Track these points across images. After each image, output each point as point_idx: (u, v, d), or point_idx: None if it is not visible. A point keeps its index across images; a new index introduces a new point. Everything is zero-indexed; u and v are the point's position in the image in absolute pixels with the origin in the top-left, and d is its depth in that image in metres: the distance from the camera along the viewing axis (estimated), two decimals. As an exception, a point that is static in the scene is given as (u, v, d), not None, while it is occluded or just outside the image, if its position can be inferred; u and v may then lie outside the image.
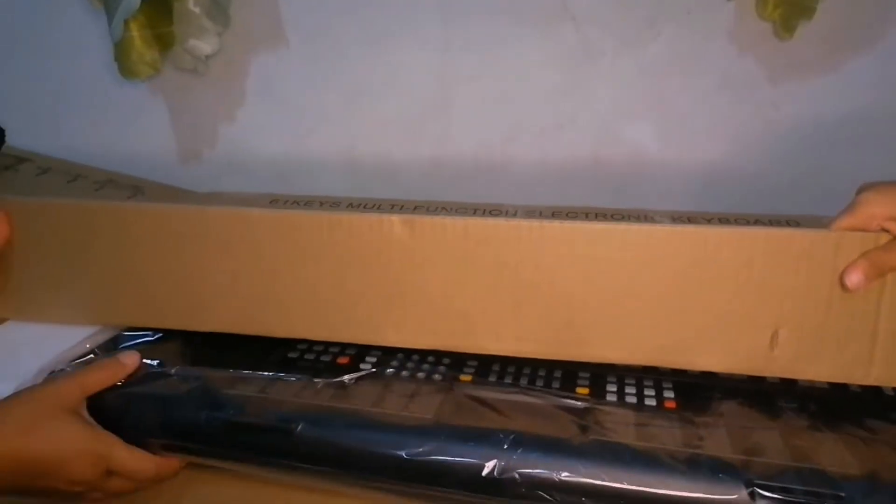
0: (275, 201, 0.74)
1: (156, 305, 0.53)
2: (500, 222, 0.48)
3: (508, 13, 0.73)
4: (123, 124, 0.83)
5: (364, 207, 0.71)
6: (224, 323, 0.52)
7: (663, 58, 0.70)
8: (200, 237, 0.51)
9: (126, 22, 0.71)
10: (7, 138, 0.77)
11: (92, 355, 0.51)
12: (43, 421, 0.42)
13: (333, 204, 0.73)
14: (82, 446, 0.43)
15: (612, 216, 0.71)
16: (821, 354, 0.45)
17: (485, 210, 0.73)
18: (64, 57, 0.82)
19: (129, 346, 0.52)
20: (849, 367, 0.45)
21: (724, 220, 0.69)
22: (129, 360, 0.48)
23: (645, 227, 0.47)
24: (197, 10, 0.73)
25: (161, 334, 0.54)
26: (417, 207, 0.73)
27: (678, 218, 0.69)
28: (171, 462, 0.46)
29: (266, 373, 0.49)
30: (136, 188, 0.81)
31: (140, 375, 0.48)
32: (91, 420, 0.45)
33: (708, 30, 0.68)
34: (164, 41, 0.74)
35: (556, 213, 0.75)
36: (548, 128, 0.76)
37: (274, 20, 0.77)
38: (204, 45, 0.76)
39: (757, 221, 0.69)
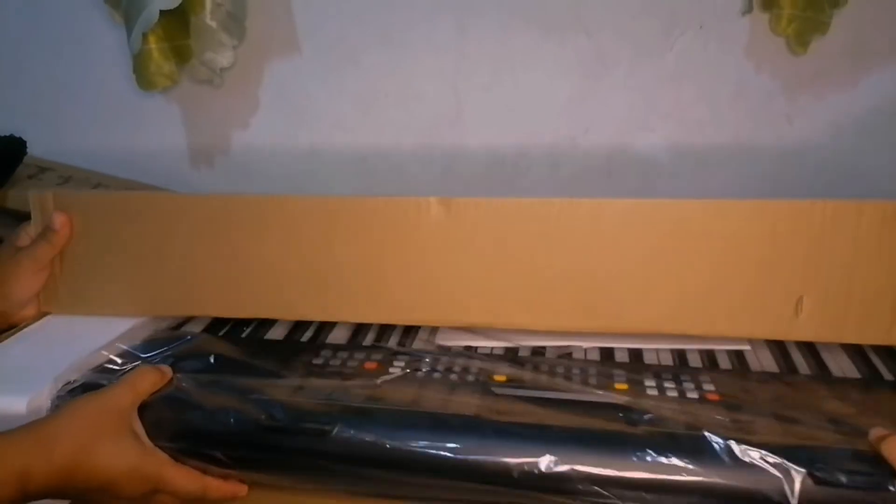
0: None
1: (197, 294, 0.54)
2: (534, 201, 0.49)
3: (523, 24, 0.74)
4: (141, 134, 0.85)
5: None
6: (264, 308, 0.54)
7: (676, 71, 0.71)
8: (239, 223, 0.53)
9: (145, 35, 0.73)
10: (29, 148, 0.78)
11: (109, 364, 0.49)
12: (99, 439, 0.41)
13: None
14: (134, 466, 0.41)
15: None
16: (844, 320, 0.47)
17: None
18: (84, 69, 0.85)
19: (150, 356, 0.50)
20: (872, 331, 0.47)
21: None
22: (165, 368, 0.47)
23: (672, 202, 0.48)
24: (213, 23, 0.75)
25: (180, 342, 0.52)
26: None
27: None
28: (220, 484, 0.44)
29: (292, 379, 0.47)
30: None
31: (167, 385, 0.46)
32: (142, 433, 0.43)
33: (722, 43, 0.69)
34: (181, 54, 0.76)
35: None
36: (561, 138, 0.77)
37: (289, 30, 0.78)
38: (220, 58, 0.78)
39: None
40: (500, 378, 0.47)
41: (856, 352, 0.50)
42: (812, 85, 0.68)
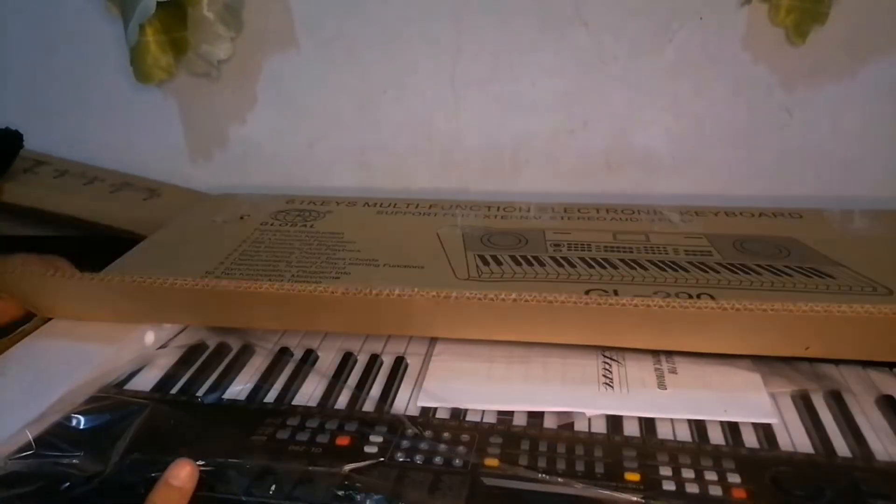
0: (290, 201, 0.76)
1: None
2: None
3: (521, 18, 0.71)
4: (137, 127, 0.84)
5: (380, 206, 0.74)
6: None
7: (676, 63, 0.69)
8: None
9: (141, 27, 0.71)
10: (25, 142, 0.77)
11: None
12: None
13: (350, 203, 0.75)
14: None
15: (622, 211, 0.72)
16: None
17: (498, 207, 0.73)
18: (80, 62, 0.82)
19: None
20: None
21: (730, 213, 0.71)
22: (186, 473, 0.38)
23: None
24: (210, 15, 0.74)
25: (125, 414, 0.45)
26: (432, 206, 0.74)
27: (686, 212, 0.71)
28: None
29: (250, 462, 0.40)
30: (151, 191, 0.82)
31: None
32: None
33: (720, 36, 0.67)
34: (178, 46, 0.75)
35: (568, 210, 0.70)
36: (560, 132, 0.75)
37: (286, 25, 0.77)
38: (217, 51, 0.76)
39: (761, 214, 0.70)
40: (491, 463, 0.41)
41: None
42: (811, 76, 0.67)
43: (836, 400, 0.47)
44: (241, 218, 0.71)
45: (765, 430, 0.44)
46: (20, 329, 0.54)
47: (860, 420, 0.44)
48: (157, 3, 0.67)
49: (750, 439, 0.43)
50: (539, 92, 0.74)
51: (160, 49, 0.72)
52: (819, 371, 0.50)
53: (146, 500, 0.36)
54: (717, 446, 0.42)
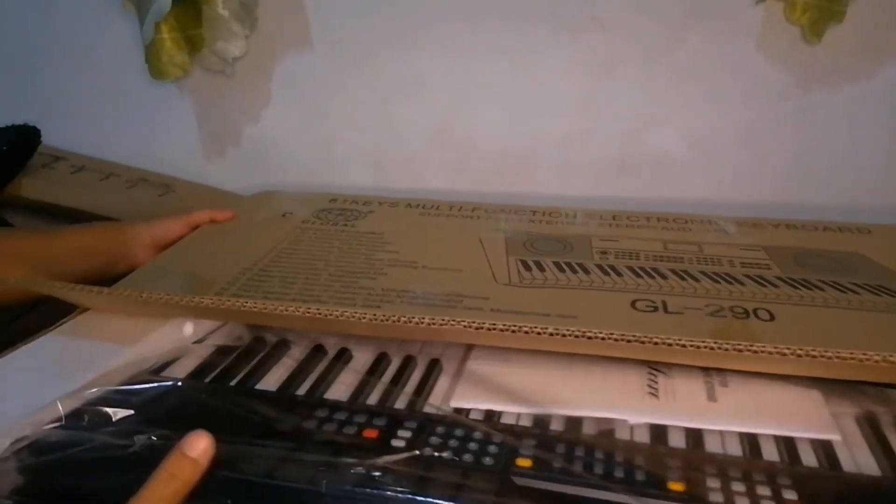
0: (334, 200, 0.76)
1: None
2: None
3: (535, 19, 0.71)
4: (153, 124, 0.85)
5: (423, 208, 0.74)
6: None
7: (689, 65, 0.68)
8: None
9: (157, 24, 0.72)
10: (42, 138, 0.78)
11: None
12: None
13: (392, 204, 0.75)
14: None
15: (674, 220, 0.69)
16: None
17: (544, 212, 0.71)
18: (97, 59, 0.84)
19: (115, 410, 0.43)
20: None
21: (791, 225, 0.68)
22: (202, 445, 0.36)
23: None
24: (225, 13, 0.75)
25: (158, 391, 0.44)
26: (476, 209, 0.73)
27: (743, 223, 0.68)
28: None
29: (274, 448, 0.39)
30: (166, 186, 0.83)
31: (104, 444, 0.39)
32: None
33: (735, 36, 0.66)
34: (193, 43, 0.76)
35: (616, 217, 0.68)
36: (574, 135, 0.75)
37: (301, 24, 0.77)
38: (232, 48, 0.77)
39: (826, 228, 0.66)
40: (524, 463, 0.38)
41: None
42: (827, 77, 0.66)
43: (907, 422, 0.43)
44: (283, 215, 0.71)
45: (825, 449, 0.40)
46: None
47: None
48: (173, 0, 0.69)
49: (808, 457, 0.40)
50: (553, 94, 0.74)
51: (175, 46, 0.74)
52: (888, 395, 0.46)
53: (158, 467, 0.35)
54: (771, 462, 0.39)
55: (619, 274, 0.57)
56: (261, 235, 0.66)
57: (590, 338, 0.43)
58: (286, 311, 0.48)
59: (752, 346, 0.41)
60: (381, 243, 0.64)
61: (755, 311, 0.50)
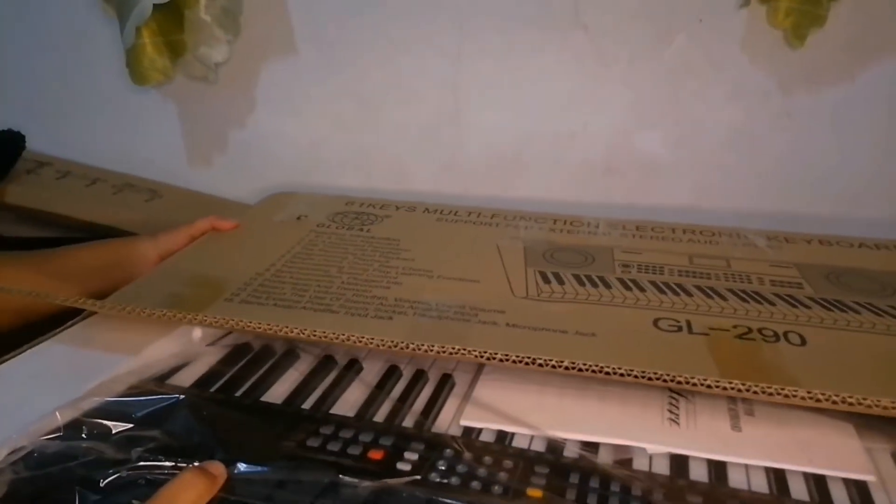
0: (350, 203, 0.75)
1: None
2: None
3: (521, 21, 0.70)
4: (138, 129, 0.85)
5: (440, 213, 0.72)
6: None
7: (675, 66, 0.68)
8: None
9: (138, 29, 0.70)
10: (27, 143, 0.78)
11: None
12: None
13: (409, 208, 0.74)
14: None
15: (701, 232, 0.67)
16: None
17: (565, 221, 0.70)
18: (81, 64, 0.83)
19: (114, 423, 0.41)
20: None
21: (824, 241, 0.65)
22: (217, 468, 0.36)
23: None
24: (208, 18, 0.74)
25: (162, 403, 0.43)
26: (495, 216, 0.71)
27: (774, 237, 0.66)
28: None
29: (275, 467, 0.38)
30: (152, 192, 0.82)
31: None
32: None
33: (720, 39, 0.66)
34: (175, 49, 0.75)
35: (640, 228, 0.66)
36: (560, 135, 0.75)
37: (285, 28, 0.77)
38: (214, 53, 0.76)
39: (861, 245, 0.64)
40: (534, 493, 0.37)
41: None
42: (810, 80, 0.66)
43: (945, 461, 0.40)
44: (298, 218, 0.70)
45: (858, 488, 0.38)
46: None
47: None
48: (154, 5, 0.68)
49: (840, 496, 0.37)
50: (540, 95, 0.73)
51: (157, 51, 0.73)
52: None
53: (177, 476, 0.34)
54: (799, 501, 0.37)
55: (641, 289, 0.55)
56: (275, 239, 0.65)
57: (607, 373, 0.41)
58: (290, 332, 0.47)
59: (782, 389, 0.39)
60: (396, 250, 0.62)
61: (786, 334, 0.47)
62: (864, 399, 0.38)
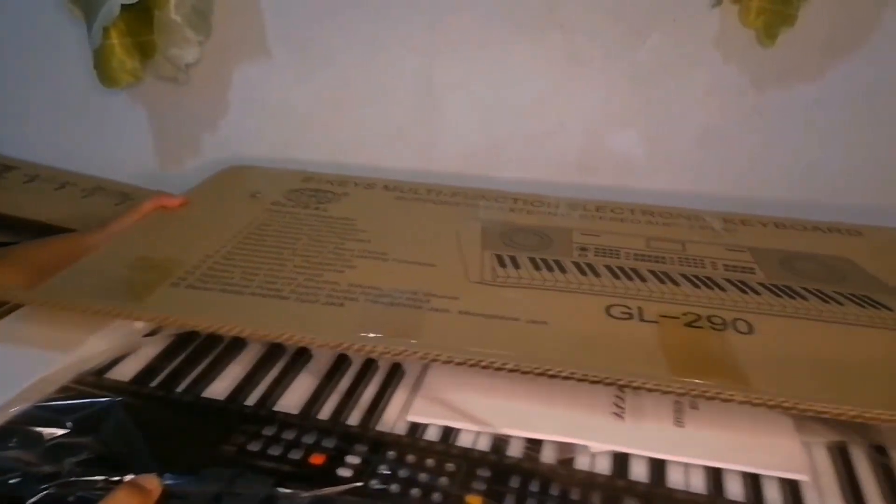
0: (308, 179, 0.73)
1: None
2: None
3: (496, 20, 0.69)
4: (108, 131, 0.83)
5: (400, 191, 0.71)
6: None
7: (650, 65, 0.69)
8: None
9: (106, 29, 0.69)
10: None
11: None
12: None
13: (368, 185, 0.72)
14: None
15: (659, 214, 0.67)
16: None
17: (525, 200, 0.69)
18: (48, 66, 0.81)
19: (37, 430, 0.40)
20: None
21: (780, 224, 0.66)
22: (151, 481, 0.36)
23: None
24: (178, 18, 0.72)
25: (91, 406, 0.42)
26: (455, 194, 0.70)
27: (730, 220, 0.66)
28: None
29: (212, 483, 0.37)
30: (123, 195, 0.80)
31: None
32: None
33: (694, 38, 0.67)
34: (144, 50, 0.73)
35: (600, 209, 0.66)
36: (535, 133, 0.74)
37: (257, 28, 0.75)
38: (185, 55, 0.74)
39: (815, 228, 0.64)
40: (473, 501, 0.37)
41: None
42: (781, 78, 0.67)
43: (881, 455, 0.41)
44: (253, 195, 0.68)
45: (791, 487, 0.38)
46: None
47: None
48: (122, 5, 0.66)
49: (773, 496, 0.38)
50: (514, 94, 0.73)
51: (126, 52, 0.71)
52: (864, 424, 0.44)
53: (110, 494, 0.33)
54: (733, 502, 0.37)
55: (596, 274, 0.54)
56: (227, 218, 0.63)
57: (552, 375, 0.41)
58: (226, 329, 0.46)
59: (721, 393, 0.39)
60: (352, 231, 0.61)
61: (734, 322, 0.48)
62: (799, 403, 0.38)
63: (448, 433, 0.42)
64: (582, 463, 0.40)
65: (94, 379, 0.45)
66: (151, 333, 0.51)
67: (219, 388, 0.46)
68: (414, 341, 0.44)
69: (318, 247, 0.58)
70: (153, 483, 0.35)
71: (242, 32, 0.75)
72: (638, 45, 0.68)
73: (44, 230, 0.71)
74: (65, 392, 0.43)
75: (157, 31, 0.71)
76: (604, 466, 0.40)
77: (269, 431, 0.41)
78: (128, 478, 0.35)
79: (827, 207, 0.68)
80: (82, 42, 0.74)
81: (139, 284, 0.51)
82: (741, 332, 0.47)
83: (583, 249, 0.59)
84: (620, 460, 0.40)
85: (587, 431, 0.42)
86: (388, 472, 0.38)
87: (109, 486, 0.34)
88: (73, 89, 0.81)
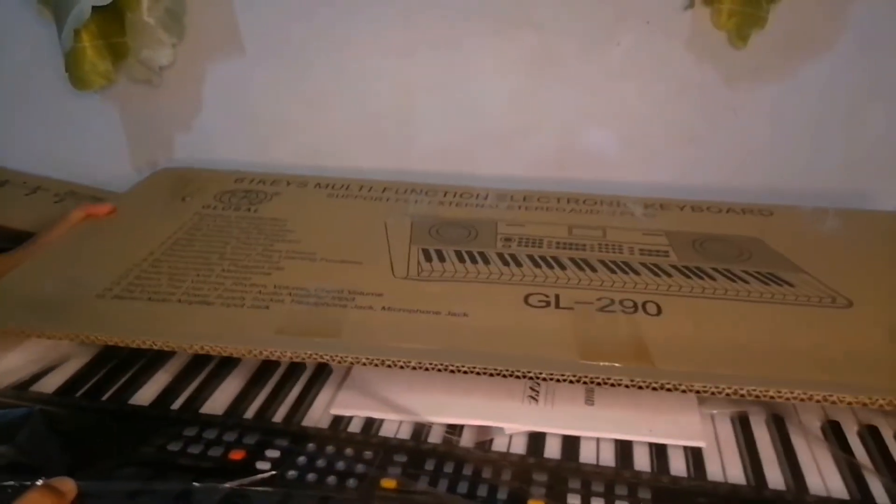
0: (240, 179, 0.73)
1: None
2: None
3: (471, 20, 0.70)
4: (80, 135, 0.82)
5: (331, 188, 0.72)
6: None
7: (624, 65, 0.70)
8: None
9: (77, 32, 0.68)
10: None
11: None
12: None
13: (301, 184, 0.73)
14: None
15: (584, 202, 0.69)
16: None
17: (455, 193, 0.70)
18: (17, 67, 0.79)
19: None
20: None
21: (696, 207, 0.68)
22: (66, 484, 0.36)
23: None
24: (151, 20, 0.71)
25: (13, 415, 0.42)
26: (386, 189, 0.71)
27: (650, 205, 0.68)
28: None
29: (128, 479, 0.38)
30: (97, 199, 0.77)
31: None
32: None
33: (667, 38, 0.68)
34: (117, 52, 0.72)
35: (527, 199, 0.68)
36: (511, 132, 0.75)
37: (231, 29, 0.75)
38: (158, 57, 0.74)
39: (729, 210, 0.67)
40: (388, 484, 0.38)
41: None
42: (754, 77, 0.69)
43: (779, 425, 0.43)
44: (183, 199, 0.68)
45: (694, 455, 0.40)
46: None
47: (800, 448, 0.41)
48: (93, 7, 0.65)
49: (678, 465, 0.40)
50: (490, 94, 0.73)
51: (98, 55, 0.70)
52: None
53: (21, 495, 0.34)
54: (637, 472, 0.39)
55: (518, 264, 0.56)
56: (155, 224, 0.63)
57: (465, 372, 0.42)
58: (147, 343, 0.46)
59: (632, 380, 0.41)
60: (282, 231, 0.62)
61: (644, 304, 0.50)
62: (705, 387, 0.40)
63: (370, 424, 0.43)
64: (500, 444, 0.42)
65: (15, 394, 0.45)
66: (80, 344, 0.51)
67: (145, 395, 0.46)
68: (333, 341, 0.45)
69: (246, 250, 0.58)
70: (67, 486, 0.35)
71: (216, 34, 0.75)
72: (612, 46, 0.69)
73: (15, 237, 0.69)
74: (-16, 406, 0.43)
75: (129, 33, 0.71)
76: (520, 447, 0.41)
77: (190, 432, 0.42)
78: (40, 482, 0.35)
79: (787, 193, 0.70)
80: (52, 43, 0.73)
81: (60, 299, 0.51)
82: (650, 314, 0.49)
83: (507, 240, 0.60)
84: (535, 440, 0.42)
85: (501, 414, 0.43)
86: (305, 463, 0.39)
87: (21, 490, 0.35)
88: (43, 91, 0.79)
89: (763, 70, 0.68)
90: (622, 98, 0.71)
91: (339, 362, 0.44)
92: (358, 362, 0.44)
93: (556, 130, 0.73)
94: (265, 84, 0.76)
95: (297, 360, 0.46)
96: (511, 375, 0.42)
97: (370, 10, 0.71)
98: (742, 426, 0.43)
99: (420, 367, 0.43)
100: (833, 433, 0.43)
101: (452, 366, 0.43)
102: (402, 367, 0.43)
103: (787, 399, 0.40)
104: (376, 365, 0.43)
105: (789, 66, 0.68)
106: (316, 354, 0.45)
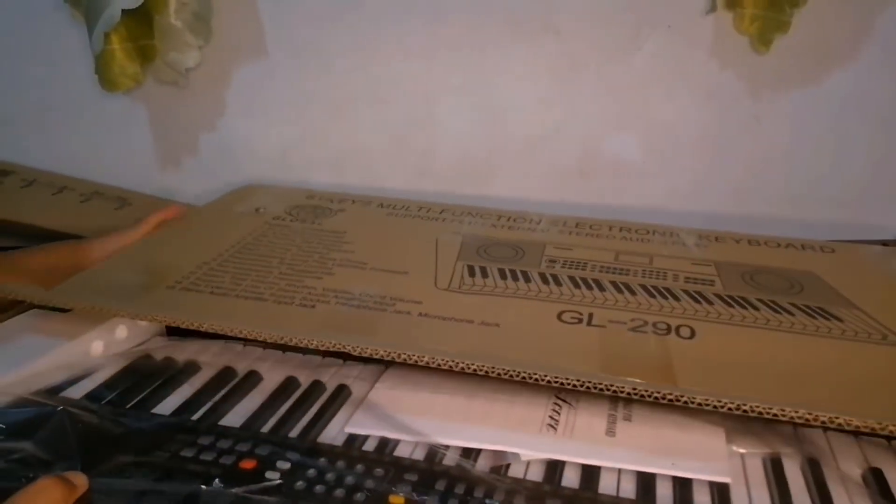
0: (311, 196, 0.75)
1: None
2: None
3: (493, 26, 0.70)
4: (106, 136, 0.83)
5: (392, 208, 0.73)
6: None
7: (646, 71, 0.69)
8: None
9: (107, 34, 0.69)
10: None
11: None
12: None
13: (365, 203, 0.74)
14: None
15: (636, 230, 0.67)
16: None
17: (509, 217, 0.70)
18: (47, 69, 0.81)
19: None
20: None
21: (753, 241, 0.65)
22: (78, 478, 0.36)
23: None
24: (178, 23, 0.73)
25: (39, 415, 0.43)
26: (444, 211, 0.72)
27: (704, 236, 0.66)
28: None
29: (139, 479, 0.38)
30: (122, 199, 0.80)
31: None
32: None
33: (689, 44, 0.67)
34: (145, 54, 0.74)
35: (579, 225, 0.68)
36: (532, 139, 0.75)
37: (257, 33, 0.76)
38: (185, 59, 0.75)
39: (789, 245, 0.64)
40: (396, 500, 0.37)
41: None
42: (777, 84, 0.67)
43: (814, 469, 0.40)
44: (257, 210, 0.71)
45: (720, 492, 0.38)
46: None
47: (838, 495, 0.37)
48: (123, 10, 0.67)
49: (702, 500, 0.37)
50: (511, 100, 0.73)
51: (127, 57, 0.72)
52: (802, 435, 0.43)
53: (33, 482, 0.34)
54: (656, 506, 0.37)
55: (558, 283, 0.55)
56: (229, 230, 0.65)
57: (484, 374, 0.42)
58: (195, 325, 0.48)
59: (648, 391, 0.39)
60: (340, 242, 0.63)
61: (678, 328, 0.48)
62: (731, 402, 0.38)
63: (385, 444, 0.42)
64: (516, 471, 0.40)
65: (45, 394, 0.46)
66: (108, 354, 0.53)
67: (167, 406, 0.47)
68: (365, 336, 0.46)
69: (304, 256, 0.60)
70: (79, 480, 0.36)
71: (242, 37, 0.76)
72: (634, 51, 0.68)
73: (41, 235, 0.72)
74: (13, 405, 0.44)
75: (157, 35, 0.73)
76: (536, 474, 0.39)
77: (205, 441, 0.42)
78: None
79: (819, 225, 0.68)
80: (81, 44, 0.76)
81: (135, 287, 0.54)
82: (682, 337, 0.46)
83: (552, 262, 0.59)
84: (552, 469, 0.40)
85: (517, 441, 0.41)
86: (315, 475, 0.38)
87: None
88: (71, 92, 0.81)
89: (788, 77, 0.66)
90: (644, 104, 0.70)
91: (371, 355, 0.45)
92: (388, 356, 0.44)
93: (577, 137, 0.73)
94: (289, 86, 0.78)
95: (323, 348, 0.47)
96: (530, 380, 0.41)
97: (393, 16, 0.72)
98: (774, 467, 0.40)
99: (444, 366, 0.43)
100: (875, 480, 0.39)
101: (463, 364, 0.42)
102: (427, 365, 0.43)
103: (816, 421, 0.37)
104: (405, 361, 0.44)
105: (814, 73, 0.66)
106: (339, 345, 0.45)
